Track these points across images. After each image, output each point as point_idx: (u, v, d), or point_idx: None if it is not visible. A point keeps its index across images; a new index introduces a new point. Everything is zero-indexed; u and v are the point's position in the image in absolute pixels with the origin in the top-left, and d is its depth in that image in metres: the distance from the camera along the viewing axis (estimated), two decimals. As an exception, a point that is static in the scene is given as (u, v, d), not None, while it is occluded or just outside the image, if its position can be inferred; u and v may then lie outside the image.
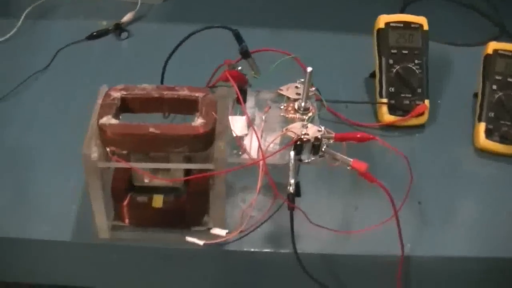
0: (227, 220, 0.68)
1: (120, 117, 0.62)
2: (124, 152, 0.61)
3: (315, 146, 0.58)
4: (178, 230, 0.66)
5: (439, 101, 0.86)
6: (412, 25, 0.83)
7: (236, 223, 0.66)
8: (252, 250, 0.66)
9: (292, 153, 0.58)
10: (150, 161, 0.62)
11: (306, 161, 0.59)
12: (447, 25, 0.98)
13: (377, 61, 0.83)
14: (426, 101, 0.81)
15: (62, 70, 0.88)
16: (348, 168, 0.57)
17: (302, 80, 0.64)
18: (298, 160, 0.58)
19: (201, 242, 0.62)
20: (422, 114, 0.81)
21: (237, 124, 0.58)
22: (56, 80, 0.86)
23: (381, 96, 0.82)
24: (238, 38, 0.62)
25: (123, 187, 0.65)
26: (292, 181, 0.57)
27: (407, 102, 0.81)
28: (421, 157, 0.78)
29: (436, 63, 0.86)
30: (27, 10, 0.95)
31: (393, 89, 0.81)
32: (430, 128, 0.83)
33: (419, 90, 0.81)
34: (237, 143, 0.59)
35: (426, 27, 0.83)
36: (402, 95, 0.81)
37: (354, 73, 0.90)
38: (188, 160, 0.63)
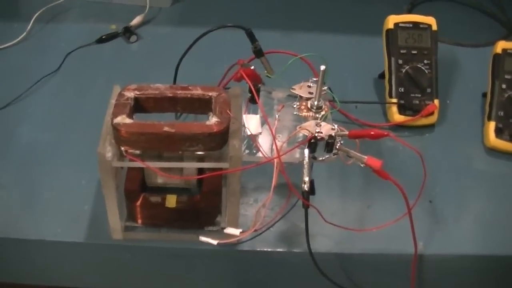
0: (239, 220, 0.68)
1: (134, 116, 0.63)
2: (138, 152, 0.61)
3: (329, 144, 0.58)
4: (191, 230, 0.66)
5: (448, 101, 0.86)
6: (421, 25, 0.83)
7: (248, 223, 0.66)
8: (266, 249, 0.66)
9: (306, 151, 0.58)
10: (163, 161, 0.62)
11: (320, 159, 0.59)
12: (455, 26, 0.98)
13: (387, 61, 0.83)
14: (436, 101, 0.81)
15: (72, 72, 0.89)
16: (362, 165, 0.57)
17: (315, 79, 0.65)
18: (312, 158, 0.59)
19: (215, 242, 0.62)
20: (432, 113, 0.81)
21: (251, 123, 0.58)
22: (66, 83, 0.87)
23: (390, 96, 0.82)
24: (251, 37, 0.63)
25: (136, 188, 0.66)
26: (306, 179, 0.57)
27: (417, 102, 0.81)
28: (432, 156, 0.78)
29: (444, 64, 0.87)
30: (37, 13, 0.96)
31: (402, 89, 0.81)
32: (440, 128, 0.83)
33: (428, 90, 0.81)
34: (251, 142, 0.59)
35: (435, 27, 0.83)
36: (412, 95, 0.81)
37: (364, 74, 0.90)
38: (201, 160, 0.64)
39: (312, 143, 0.58)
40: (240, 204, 0.69)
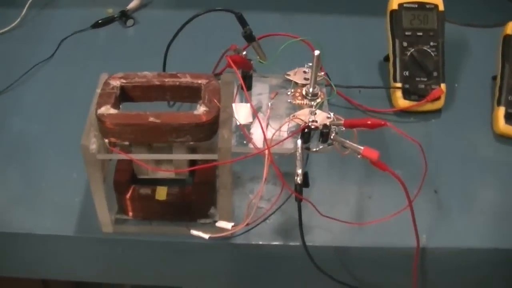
0: (235, 211, 0.65)
1: (121, 106, 0.60)
2: (126, 143, 0.59)
3: (324, 133, 0.55)
4: (184, 223, 0.64)
5: (456, 85, 0.83)
6: (427, 6, 0.79)
7: (244, 215, 0.63)
8: (261, 243, 0.64)
9: (299, 142, 0.55)
10: (152, 152, 0.59)
11: (314, 149, 0.56)
12: (463, 5, 0.94)
13: (391, 44, 0.79)
14: (442, 85, 0.78)
15: (66, 60, 0.86)
16: (359, 156, 0.54)
17: (311, 64, 0.61)
18: (306, 148, 0.55)
19: (206, 236, 0.59)
20: (438, 98, 0.77)
21: (241, 112, 0.55)
22: (60, 70, 0.84)
23: (395, 81, 0.78)
24: (242, 21, 0.59)
25: (126, 179, 0.63)
26: (299, 171, 0.54)
27: (423, 86, 0.77)
28: (438, 143, 0.75)
29: (452, 45, 0.82)
30: (32, -2, 0.93)
31: (407, 73, 0.78)
32: (446, 113, 0.79)
33: (435, 74, 0.77)
34: (241, 132, 0.56)
35: (441, 7, 0.79)
36: (417, 79, 0.77)
37: (368, 57, 0.87)
38: (193, 150, 0.61)
39: (306, 133, 0.55)
40: (234, 195, 0.66)
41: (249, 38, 0.58)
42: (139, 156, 0.59)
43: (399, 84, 0.77)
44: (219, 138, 0.56)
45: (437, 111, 0.79)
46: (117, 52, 0.88)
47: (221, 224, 0.60)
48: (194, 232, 0.61)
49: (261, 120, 0.57)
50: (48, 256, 0.68)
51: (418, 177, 0.62)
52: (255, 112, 0.54)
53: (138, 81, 0.60)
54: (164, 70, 0.70)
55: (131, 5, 0.94)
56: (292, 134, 0.55)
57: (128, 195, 0.63)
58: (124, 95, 0.60)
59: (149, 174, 0.62)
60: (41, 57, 0.86)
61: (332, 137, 0.55)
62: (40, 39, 0.89)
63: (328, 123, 0.55)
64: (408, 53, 0.78)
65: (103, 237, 0.64)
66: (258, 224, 0.62)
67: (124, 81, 0.59)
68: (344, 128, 0.56)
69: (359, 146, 0.54)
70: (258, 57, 0.61)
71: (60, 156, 0.72)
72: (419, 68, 0.77)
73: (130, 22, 0.92)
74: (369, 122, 0.54)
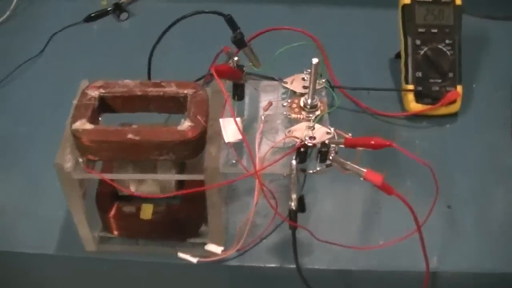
0: (230, 228, 0.60)
1: (101, 118, 0.55)
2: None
3: (322, 153, 0.49)
4: (172, 243, 0.59)
5: (474, 85, 0.76)
6: (443, 0, 0.72)
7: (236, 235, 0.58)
8: (255, 265, 0.58)
9: (294, 163, 0.49)
10: (137, 167, 0.54)
11: (311, 171, 0.50)
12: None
13: (403, 42, 0.73)
14: (459, 87, 0.71)
15: (56, 56, 0.82)
16: (361, 179, 0.48)
17: (310, 70, 0.55)
18: (302, 170, 0.50)
19: (194, 260, 0.55)
20: (453, 102, 0.71)
21: (230, 128, 0.49)
22: (50, 68, 0.80)
23: (407, 82, 0.72)
24: (232, 24, 0.53)
25: (109, 196, 0.58)
26: (293, 196, 0.48)
27: (437, 88, 0.71)
28: (453, 151, 0.69)
29: (470, 41, 0.75)
30: (22, -10, 0.89)
31: (420, 74, 0.71)
32: (463, 118, 0.73)
33: (450, 75, 0.71)
34: (230, 150, 0.50)
35: (459, 1, 0.72)
36: (431, 80, 0.71)
37: (379, 53, 0.81)
38: (181, 165, 0.56)
39: (301, 152, 0.49)
40: (229, 209, 0.62)
41: (240, 43, 0.52)
42: (119, 176, 0.53)
43: (411, 86, 0.71)
44: (206, 156, 0.51)
45: (453, 115, 0.73)
46: (109, 48, 0.83)
47: (211, 247, 0.55)
48: (182, 255, 0.56)
49: (256, 134, 0.51)
50: (28, 275, 0.63)
51: (431, 189, 0.55)
52: (240, 131, 0.48)
53: (118, 91, 0.54)
54: (149, 76, 0.65)
55: (126, -4, 0.88)
56: (285, 154, 0.49)
57: (111, 214, 0.58)
58: (104, 106, 0.55)
59: (132, 191, 0.57)
60: (30, 53, 0.81)
61: (331, 157, 0.49)
62: (30, 34, 0.85)
63: (327, 141, 0.49)
64: (421, 52, 0.71)
65: (86, 256, 0.60)
66: (249, 249, 0.56)
67: (103, 91, 0.54)
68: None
69: (362, 169, 0.48)
70: (251, 63, 0.55)
71: (46, 162, 0.66)
72: (433, 68, 0.71)
73: (124, 15, 0.86)
74: (372, 142, 0.48)
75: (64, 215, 0.62)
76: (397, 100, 0.74)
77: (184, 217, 0.58)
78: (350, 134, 0.68)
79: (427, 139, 0.71)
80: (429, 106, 0.71)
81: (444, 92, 0.71)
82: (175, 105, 0.54)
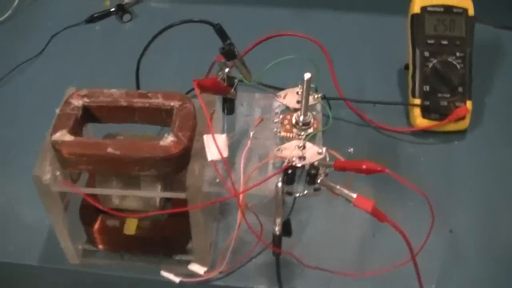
0: (219, 244, 0.58)
1: (86, 128, 0.53)
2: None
3: (311, 175, 0.46)
4: (158, 258, 0.57)
5: (485, 100, 0.72)
6: (455, 10, 0.68)
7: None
8: (241, 286, 0.56)
9: (279, 185, 0.46)
10: (118, 180, 0.52)
11: (298, 194, 0.47)
12: (498, 3, 0.81)
13: (411, 54, 0.69)
14: (468, 103, 0.67)
15: (56, 57, 0.80)
16: (351, 205, 0.45)
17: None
18: (287, 193, 0.47)
19: (177, 279, 0.52)
20: (462, 118, 0.67)
21: (214, 145, 0.46)
22: (49, 69, 0.78)
23: (414, 96, 0.68)
24: (221, 34, 0.50)
25: (93, 208, 0.56)
26: (278, 220, 0.45)
27: (445, 103, 0.67)
28: (460, 170, 0.66)
29: (482, 51, 0.71)
30: (23, -10, 0.87)
31: (428, 88, 0.68)
32: (472, 135, 0.69)
33: (460, 89, 0.67)
34: (212, 169, 0.47)
35: (471, 12, 0.68)
36: (439, 95, 0.68)
37: (387, 62, 0.77)
38: (167, 179, 0.53)
39: (289, 174, 0.46)
40: (221, 224, 0.59)
41: (230, 54, 0.49)
42: (99, 191, 0.51)
43: (418, 101, 0.68)
44: (188, 174, 0.48)
45: (461, 132, 0.69)
46: (111, 50, 0.81)
47: (194, 267, 0.53)
48: (165, 273, 0.54)
49: (243, 153, 0.48)
50: (11, 285, 0.62)
51: (435, 206, 0.51)
52: (219, 150, 0.45)
53: (103, 100, 0.52)
54: (137, 85, 0.62)
55: (129, -2, 0.86)
56: (271, 176, 0.46)
57: (95, 227, 0.56)
58: (88, 116, 0.52)
59: (116, 204, 0.55)
60: (30, 53, 0.80)
61: (319, 181, 0.46)
62: (31, 34, 0.83)
63: (316, 163, 0.46)
64: (430, 65, 0.68)
65: (69, 268, 0.58)
66: (238, 268, 0.54)
67: (87, 100, 0.52)
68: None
69: (352, 194, 0.45)
70: (242, 75, 0.52)
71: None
72: (442, 82, 0.67)
73: (127, 17, 0.84)
74: (364, 167, 0.44)
75: (50, 225, 0.60)
76: (404, 114, 0.71)
77: (170, 233, 0.56)
78: (351, 150, 0.66)
79: (433, 157, 0.67)
80: (436, 122, 0.67)
81: (452, 107, 0.67)
82: (161, 117, 0.52)
